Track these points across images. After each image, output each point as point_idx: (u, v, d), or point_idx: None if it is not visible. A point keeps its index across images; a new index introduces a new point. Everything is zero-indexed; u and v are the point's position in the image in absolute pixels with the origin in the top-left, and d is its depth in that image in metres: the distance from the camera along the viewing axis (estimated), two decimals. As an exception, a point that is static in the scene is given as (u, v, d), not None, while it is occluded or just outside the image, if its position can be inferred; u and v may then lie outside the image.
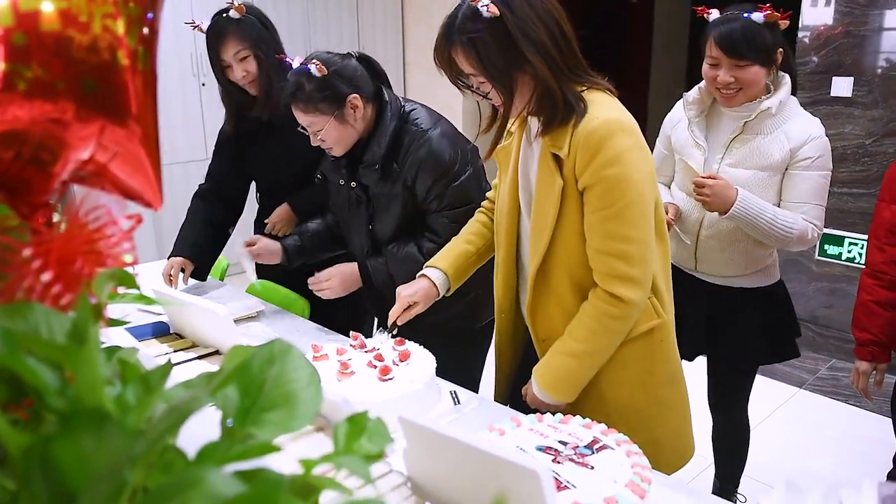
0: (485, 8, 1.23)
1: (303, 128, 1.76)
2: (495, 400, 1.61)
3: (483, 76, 1.29)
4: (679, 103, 2.02)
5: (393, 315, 1.57)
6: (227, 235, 2.27)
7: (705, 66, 1.85)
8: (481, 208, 1.73)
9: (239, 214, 2.32)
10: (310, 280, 1.86)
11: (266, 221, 2.21)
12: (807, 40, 3.29)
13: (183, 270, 2.07)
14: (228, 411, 0.59)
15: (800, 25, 3.30)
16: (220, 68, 2.01)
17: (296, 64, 1.72)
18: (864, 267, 1.93)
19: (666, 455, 1.49)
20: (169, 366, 0.59)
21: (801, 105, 3.31)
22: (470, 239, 1.67)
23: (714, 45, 1.79)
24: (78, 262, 0.61)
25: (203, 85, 4.48)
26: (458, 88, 1.39)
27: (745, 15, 1.76)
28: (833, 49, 3.21)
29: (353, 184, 1.85)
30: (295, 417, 0.55)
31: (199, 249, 2.14)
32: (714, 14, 1.84)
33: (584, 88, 1.33)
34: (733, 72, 1.79)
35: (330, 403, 0.95)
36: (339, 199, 1.94)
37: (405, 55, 5.41)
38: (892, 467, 1.92)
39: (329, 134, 1.72)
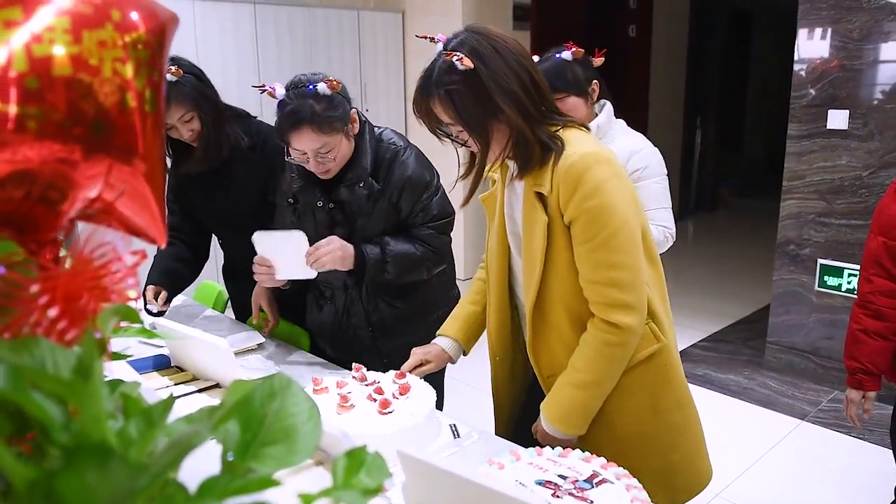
0: (459, 62, 1.28)
1: (287, 155, 1.74)
2: (496, 432, 1.62)
3: (460, 125, 1.34)
4: None
5: (406, 367, 1.61)
6: (199, 269, 2.28)
7: None
8: (481, 264, 1.75)
9: (205, 254, 2.32)
10: (308, 251, 1.76)
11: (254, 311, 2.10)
12: (802, 73, 3.34)
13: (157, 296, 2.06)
14: (229, 445, 0.60)
15: (795, 59, 3.35)
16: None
17: (279, 91, 1.69)
18: None
19: (681, 481, 1.50)
20: (171, 400, 0.60)
21: (798, 138, 3.37)
22: (474, 299, 1.72)
23: None
24: (84, 297, 0.62)
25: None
26: (437, 137, 1.44)
27: (557, 56, 2.06)
28: (828, 82, 3.26)
29: (331, 204, 1.83)
30: (295, 452, 0.55)
31: (171, 278, 2.15)
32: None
33: (559, 128, 1.38)
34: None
35: (329, 437, 0.96)
36: (307, 224, 1.88)
37: (406, 89, 5.48)
38: (893, 499, 1.90)
39: (340, 152, 1.73)
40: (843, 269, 3.34)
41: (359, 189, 1.78)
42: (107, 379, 0.70)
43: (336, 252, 1.75)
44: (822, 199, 3.38)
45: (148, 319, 2.14)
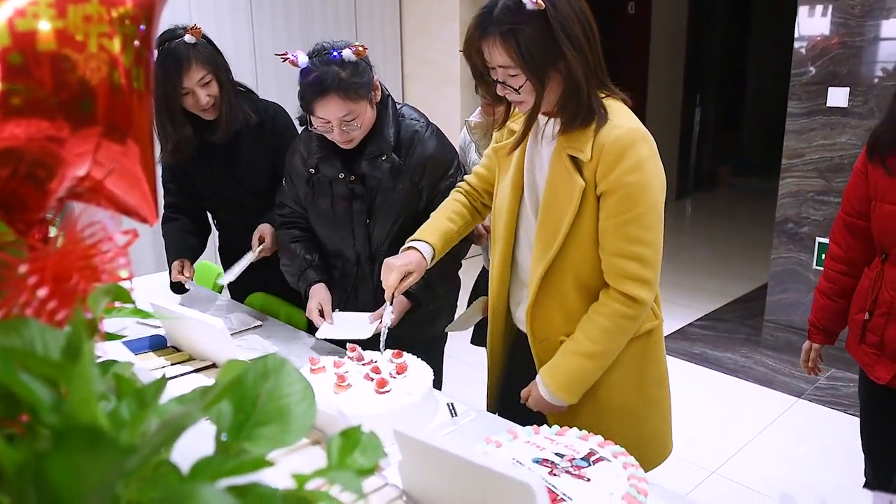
0: (529, 0, 1.24)
1: (304, 123, 1.72)
2: (488, 407, 1.65)
3: (519, 69, 1.30)
4: (465, 127, 2.12)
5: (390, 287, 1.54)
6: (206, 241, 2.30)
7: (483, 103, 1.99)
8: (459, 188, 1.74)
9: (208, 227, 2.34)
10: (369, 329, 1.73)
11: (253, 244, 2.11)
12: (803, 51, 3.31)
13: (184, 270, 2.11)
14: (223, 426, 0.59)
15: (796, 36, 3.32)
16: (176, 95, 1.92)
17: (302, 58, 1.66)
18: None
19: (650, 452, 1.54)
20: (163, 381, 0.60)
21: (798, 116, 3.35)
22: (452, 217, 1.67)
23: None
24: (74, 278, 0.62)
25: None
26: (477, 82, 1.41)
27: None
28: (829, 60, 3.23)
29: (352, 177, 1.81)
30: (289, 432, 0.55)
31: (190, 250, 2.18)
32: None
33: (605, 95, 1.37)
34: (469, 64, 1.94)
35: (325, 416, 0.96)
36: (327, 196, 1.85)
37: (403, 67, 5.44)
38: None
39: (365, 120, 1.70)
40: (841, 247, 3.33)
41: (381, 162, 1.76)
42: (100, 359, 0.70)
43: (401, 315, 1.79)
44: (821, 178, 3.36)
45: (175, 299, 2.15)
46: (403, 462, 0.82)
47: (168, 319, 1.42)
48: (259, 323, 1.98)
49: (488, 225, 1.97)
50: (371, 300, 1.90)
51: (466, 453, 0.72)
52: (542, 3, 1.24)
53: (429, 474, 0.79)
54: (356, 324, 1.67)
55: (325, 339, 1.74)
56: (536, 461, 1.14)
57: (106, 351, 0.86)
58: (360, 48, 1.65)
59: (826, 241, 3.37)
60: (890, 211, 1.61)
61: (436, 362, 2.03)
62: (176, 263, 2.12)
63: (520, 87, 1.32)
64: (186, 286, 2.11)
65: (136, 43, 0.62)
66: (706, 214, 7.23)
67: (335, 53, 1.64)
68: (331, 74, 1.62)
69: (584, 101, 1.32)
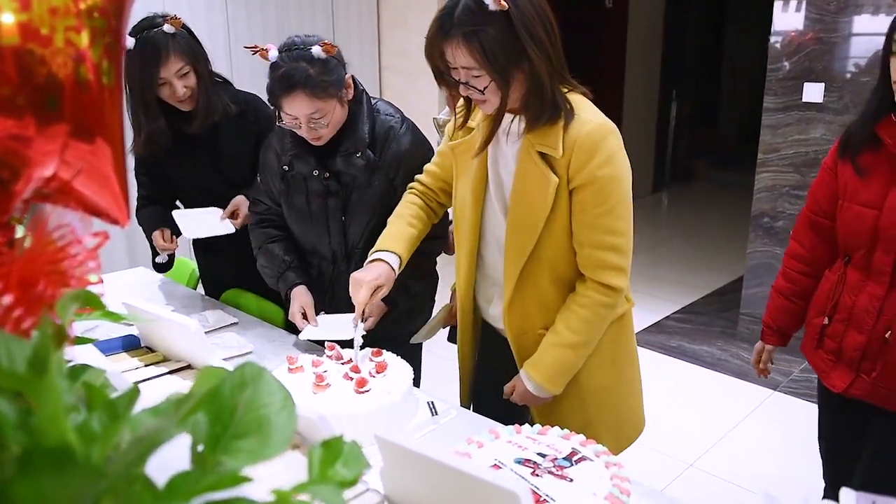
0: (492, 1, 1.23)
1: (278, 120, 1.69)
2: (461, 402, 1.68)
3: (484, 70, 1.29)
4: (434, 125, 2.13)
5: (361, 304, 1.51)
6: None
7: (448, 96, 1.96)
8: (412, 190, 1.71)
9: None
10: (353, 333, 1.63)
11: (223, 214, 2.09)
12: (778, 46, 3.33)
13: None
14: (199, 437, 0.57)
15: (772, 31, 3.34)
16: (152, 86, 1.89)
17: (273, 52, 1.63)
18: None
19: (626, 429, 1.64)
20: (136, 391, 0.57)
21: (773, 111, 3.37)
22: (412, 222, 1.65)
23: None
24: (41, 283, 0.59)
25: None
26: (440, 83, 1.41)
27: None
28: (804, 55, 3.26)
29: (327, 174, 1.78)
30: (268, 445, 0.53)
31: (168, 223, 2.15)
32: None
33: (567, 90, 1.38)
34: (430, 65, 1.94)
35: (305, 420, 0.94)
36: (301, 193, 1.83)
37: (381, 59, 5.39)
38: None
39: (334, 118, 1.68)
40: (815, 241, 3.37)
41: (356, 159, 1.74)
42: (71, 364, 0.67)
43: (378, 319, 1.77)
44: (796, 172, 3.40)
45: (149, 297, 2.10)
46: (385, 467, 0.81)
47: (142, 322, 1.39)
48: (235, 320, 1.94)
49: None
50: (348, 298, 1.87)
51: (450, 460, 0.71)
52: (504, 3, 1.24)
53: (411, 480, 0.78)
54: (340, 325, 1.65)
55: (308, 340, 1.71)
56: (518, 461, 1.13)
57: (76, 355, 0.83)
58: (330, 46, 1.62)
59: (801, 235, 3.41)
60: (858, 212, 1.53)
61: (414, 359, 2.01)
62: (156, 233, 2.09)
63: (484, 88, 1.32)
64: (166, 258, 2.07)
65: (106, 37, 0.59)
66: (682, 208, 7.28)
67: (305, 49, 1.61)
68: (299, 71, 1.59)
69: (548, 99, 1.33)
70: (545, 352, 1.47)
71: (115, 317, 0.88)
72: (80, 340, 0.79)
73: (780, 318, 1.80)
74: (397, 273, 1.58)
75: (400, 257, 1.58)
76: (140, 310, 1.32)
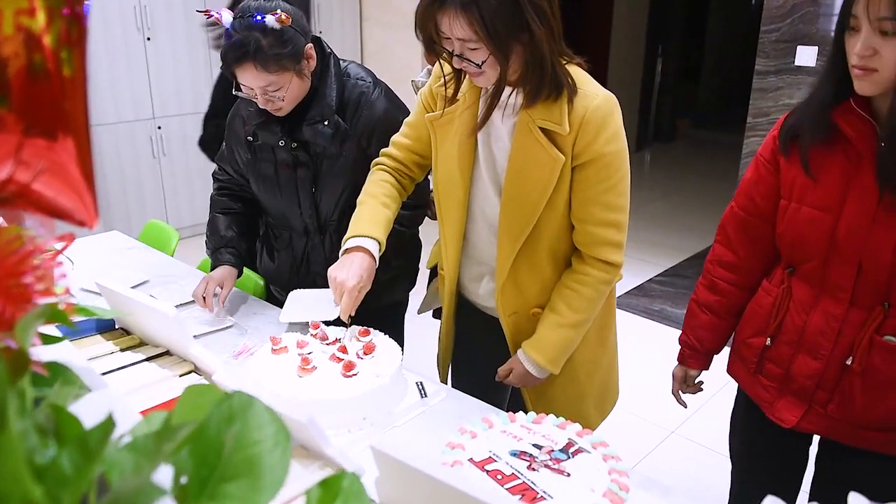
0: None
1: (236, 88, 1.59)
2: (440, 379, 1.67)
3: (482, 42, 1.21)
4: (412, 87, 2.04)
5: (346, 311, 1.43)
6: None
7: (426, 54, 1.82)
8: (382, 166, 1.60)
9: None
10: (333, 312, 1.55)
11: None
12: (772, 9, 3.24)
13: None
14: (182, 470, 0.51)
15: (766, -8, 3.25)
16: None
17: (226, 17, 1.51)
18: None
19: (609, 397, 1.66)
20: (110, 423, 0.52)
21: (764, 73, 3.31)
22: (387, 203, 1.54)
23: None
24: (-2, 303, 0.52)
25: (148, 39, 4.24)
26: (430, 55, 1.34)
27: None
28: (798, 18, 3.18)
29: (294, 144, 1.69)
30: (259, 489, 0.47)
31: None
32: None
33: (565, 62, 1.32)
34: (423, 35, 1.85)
35: (295, 424, 0.89)
36: (270, 162, 1.73)
37: (362, 10, 5.21)
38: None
39: (291, 92, 1.58)
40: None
41: (323, 128, 1.64)
42: (43, 361, 0.61)
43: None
44: (785, 137, 3.35)
45: (124, 278, 1.96)
46: (380, 478, 0.76)
47: (118, 315, 1.31)
48: (230, 324, 1.87)
49: None
50: (323, 271, 1.77)
51: (448, 477, 0.66)
52: None
53: (407, 493, 0.73)
54: (320, 303, 1.58)
55: (290, 322, 1.64)
56: (514, 454, 1.09)
57: (41, 354, 0.76)
58: (285, 16, 1.49)
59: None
60: (809, 216, 1.25)
61: (397, 329, 1.97)
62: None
63: (482, 62, 1.24)
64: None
65: (65, 19, 0.51)
66: (665, 167, 7.25)
67: (258, 17, 1.49)
68: (251, 41, 1.48)
69: (549, 73, 1.26)
70: (547, 333, 1.43)
71: (87, 312, 0.82)
72: (51, 339, 0.73)
73: (706, 337, 1.51)
74: (377, 261, 1.49)
75: (379, 242, 1.49)
76: (116, 293, 1.25)
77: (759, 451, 1.53)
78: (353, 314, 1.44)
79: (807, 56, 3.17)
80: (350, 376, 1.31)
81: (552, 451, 1.10)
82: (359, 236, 1.46)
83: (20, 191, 0.55)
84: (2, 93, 0.47)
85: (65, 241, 0.61)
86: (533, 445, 1.11)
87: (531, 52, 1.24)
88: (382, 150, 1.63)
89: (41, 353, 0.77)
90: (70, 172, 0.58)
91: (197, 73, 4.49)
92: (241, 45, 1.48)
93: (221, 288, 1.72)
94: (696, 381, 1.63)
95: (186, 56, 4.42)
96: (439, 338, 1.69)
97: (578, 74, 1.32)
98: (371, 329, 1.48)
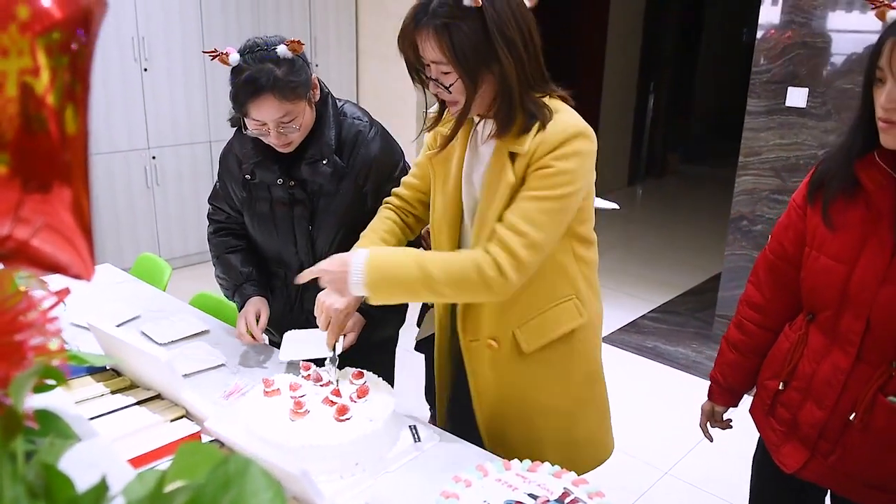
0: None
1: (236, 125, 1.60)
2: (438, 423, 1.61)
3: (451, 65, 1.25)
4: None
5: (332, 334, 1.44)
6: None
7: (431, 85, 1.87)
8: (388, 204, 1.63)
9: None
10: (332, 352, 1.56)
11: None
12: (763, 50, 3.30)
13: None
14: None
15: (757, 34, 3.31)
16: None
17: (233, 56, 1.52)
18: None
19: (584, 455, 1.53)
20: (103, 488, 0.50)
21: (756, 114, 3.35)
22: (385, 237, 1.54)
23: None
24: (-10, 363, 0.51)
25: (145, 70, 4.26)
26: (412, 77, 1.36)
27: None
28: (789, 60, 3.23)
29: (292, 182, 1.69)
30: (256, 562, 0.46)
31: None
32: None
33: (543, 96, 1.32)
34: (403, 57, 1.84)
35: (286, 475, 0.87)
36: (265, 201, 1.73)
37: (358, 44, 5.26)
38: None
39: (304, 121, 1.59)
40: (793, 246, 3.37)
41: (322, 167, 1.64)
42: (34, 409, 0.60)
43: (359, 333, 1.65)
44: (776, 177, 3.39)
45: (114, 317, 1.91)
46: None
47: (110, 362, 1.29)
48: (206, 328, 1.86)
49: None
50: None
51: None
52: (479, 0, 1.20)
53: None
54: (316, 342, 1.57)
55: (289, 361, 1.62)
56: (509, 504, 1.07)
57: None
58: (296, 43, 1.52)
59: (779, 239, 3.41)
60: (825, 266, 1.27)
61: (387, 366, 1.95)
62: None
63: (450, 86, 1.28)
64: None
65: (69, 77, 0.51)
66: (656, 202, 7.30)
67: (270, 50, 1.51)
68: (265, 73, 1.49)
69: (516, 106, 1.27)
70: (399, 255, 1.32)
71: (80, 360, 0.80)
72: (44, 388, 0.72)
73: (731, 374, 1.54)
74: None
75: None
76: (107, 335, 1.23)
77: (773, 497, 1.53)
78: (342, 350, 1.45)
79: (797, 97, 3.22)
80: (343, 420, 1.29)
81: (548, 500, 1.08)
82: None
83: (18, 247, 0.54)
84: (3, 150, 0.47)
85: (59, 295, 0.60)
86: (528, 495, 1.09)
87: (500, 83, 1.26)
88: (394, 189, 1.64)
89: (32, 401, 0.76)
90: (68, 227, 0.58)
91: (193, 104, 4.51)
92: (255, 79, 1.49)
93: (258, 319, 1.71)
94: (725, 417, 1.65)
95: (183, 87, 4.44)
96: (437, 380, 1.63)
97: (558, 107, 1.32)
98: (365, 371, 1.47)
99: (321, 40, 5.03)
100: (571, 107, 1.35)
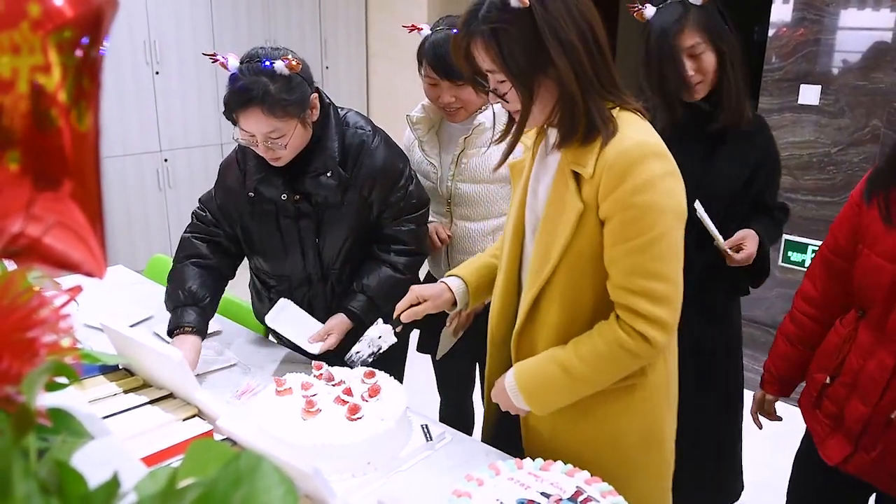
0: None
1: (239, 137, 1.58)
2: (482, 437, 1.49)
3: (503, 73, 1.16)
4: (407, 124, 2.00)
5: (399, 307, 1.42)
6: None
7: (426, 86, 1.85)
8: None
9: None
10: (314, 338, 1.63)
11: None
12: (776, 48, 3.28)
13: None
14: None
15: (769, 32, 3.29)
16: None
17: (233, 62, 1.51)
18: None
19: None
20: (115, 484, 0.51)
21: (768, 112, 3.33)
22: (496, 254, 1.50)
23: (430, 68, 1.79)
24: (4, 360, 0.51)
25: (157, 73, 4.28)
26: (475, 90, 1.32)
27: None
28: (801, 57, 3.21)
29: (297, 196, 1.67)
30: (267, 557, 0.46)
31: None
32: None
33: (614, 107, 1.21)
34: (453, 91, 1.80)
35: (299, 473, 0.87)
36: (266, 215, 1.70)
37: (368, 46, 5.27)
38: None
39: (293, 141, 1.56)
40: (807, 245, 3.34)
41: (326, 180, 1.62)
42: (47, 408, 0.60)
43: (334, 339, 1.64)
44: (790, 175, 3.36)
45: (127, 318, 1.92)
46: None
47: (123, 361, 1.29)
48: (218, 329, 1.86)
49: (443, 237, 1.89)
50: (324, 318, 1.73)
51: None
52: (527, 0, 1.11)
53: None
54: (304, 328, 1.60)
55: (271, 329, 1.68)
56: (521, 503, 1.07)
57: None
58: (295, 62, 1.50)
59: (792, 237, 3.39)
60: (876, 264, 1.29)
61: (397, 365, 1.95)
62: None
63: (505, 95, 1.20)
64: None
65: (79, 74, 0.51)
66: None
67: (267, 63, 1.49)
68: (258, 86, 1.47)
69: (580, 114, 1.16)
70: (540, 360, 1.27)
71: (92, 358, 0.80)
72: (56, 387, 0.72)
73: (783, 365, 1.58)
74: (458, 299, 1.46)
75: (465, 282, 1.47)
76: (120, 335, 1.24)
77: (814, 491, 1.56)
78: (321, 351, 1.51)
79: (810, 95, 3.20)
80: (355, 420, 1.29)
81: (560, 499, 1.08)
82: (447, 275, 1.50)
83: (31, 245, 0.54)
84: (16, 151, 0.47)
85: (72, 293, 0.60)
86: (541, 494, 1.09)
87: (560, 89, 1.16)
88: None
89: (45, 399, 0.76)
90: (80, 224, 0.58)
91: (205, 107, 4.53)
92: (247, 90, 1.48)
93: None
94: (772, 406, 1.70)
95: (195, 90, 4.47)
96: (484, 395, 1.51)
97: (626, 119, 1.20)
98: (376, 371, 1.47)
99: (331, 43, 5.05)
100: (647, 119, 1.23)
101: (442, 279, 1.48)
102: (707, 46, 1.70)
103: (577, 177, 1.19)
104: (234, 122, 1.54)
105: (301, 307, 1.76)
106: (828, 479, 1.46)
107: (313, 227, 1.69)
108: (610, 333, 1.20)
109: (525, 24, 1.13)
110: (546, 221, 1.26)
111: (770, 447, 2.78)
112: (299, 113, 1.54)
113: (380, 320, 1.53)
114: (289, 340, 1.69)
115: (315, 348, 1.62)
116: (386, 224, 1.72)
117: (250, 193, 1.69)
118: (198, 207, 1.85)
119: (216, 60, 1.52)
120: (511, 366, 1.33)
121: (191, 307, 1.65)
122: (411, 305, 1.43)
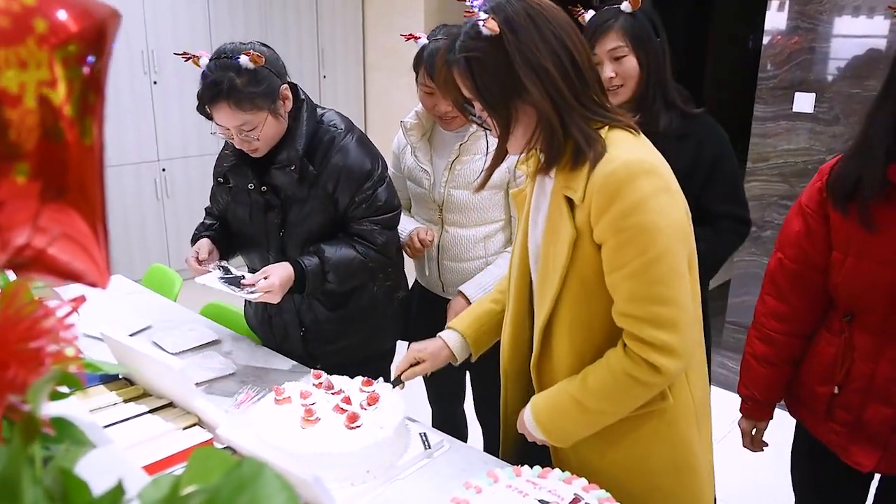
0: (484, 25, 1.10)
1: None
2: (501, 457, 1.44)
3: (478, 101, 1.17)
4: (401, 129, 2.01)
5: (399, 368, 1.45)
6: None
7: (421, 94, 1.87)
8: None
9: None
10: (247, 282, 1.64)
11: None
12: (770, 56, 3.30)
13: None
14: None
15: (763, 40, 3.31)
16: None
17: (203, 61, 1.58)
18: None
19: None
20: (119, 492, 0.51)
21: (763, 119, 3.35)
22: (496, 297, 1.49)
23: (427, 76, 1.80)
24: (10, 369, 0.52)
25: (154, 83, 4.30)
26: (465, 116, 1.32)
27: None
28: (796, 65, 3.23)
29: (264, 187, 1.71)
30: (269, 564, 0.47)
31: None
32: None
33: (602, 126, 1.17)
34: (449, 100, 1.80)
35: (299, 481, 0.87)
36: (241, 205, 1.78)
37: (365, 57, 5.30)
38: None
39: (266, 132, 1.61)
40: (803, 251, 3.36)
41: (290, 172, 1.66)
42: (50, 417, 0.61)
43: (273, 280, 1.62)
44: (784, 182, 3.38)
45: (127, 327, 1.95)
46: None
47: (123, 370, 1.30)
48: (217, 337, 1.87)
49: (424, 238, 1.88)
50: (295, 320, 1.83)
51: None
52: (496, 27, 1.10)
53: None
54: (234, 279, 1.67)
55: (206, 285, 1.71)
56: (520, 510, 1.07)
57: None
58: (258, 56, 1.54)
59: (788, 245, 3.40)
60: (871, 269, 1.28)
61: (388, 374, 1.96)
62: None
63: (483, 122, 1.22)
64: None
65: (84, 89, 0.52)
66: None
67: (233, 58, 1.55)
68: (224, 81, 1.54)
69: (559, 138, 1.15)
70: (556, 394, 1.25)
71: (94, 367, 0.81)
72: (59, 396, 0.73)
73: (764, 387, 1.54)
74: (458, 354, 1.47)
75: (464, 336, 1.46)
76: (120, 344, 1.25)
77: (822, 484, 1.58)
78: (402, 379, 1.47)
79: (805, 102, 3.22)
80: (354, 428, 1.29)
81: (559, 506, 1.08)
82: (446, 328, 1.50)
83: (36, 256, 0.55)
84: (24, 164, 0.48)
85: (75, 303, 0.61)
86: (539, 501, 1.10)
87: (538, 114, 1.15)
88: None
89: (47, 408, 0.77)
90: (84, 236, 0.59)
91: (202, 117, 4.55)
92: (215, 85, 1.54)
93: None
94: (762, 432, 1.68)
95: (192, 99, 4.46)
96: (502, 419, 1.47)
97: (615, 138, 1.16)
98: (373, 381, 1.47)
99: (328, 53, 5.07)
100: (637, 133, 1.20)
101: (440, 334, 1.48)
102: (629, 51, 1.76)
103: (570, 202, 1.17)
104: (209, 117, 1.62)
105: (272, 310, 1.82)
106: (832, 472, 1.50)
107: (278, 221, 1.73)
108: (617, 363, 1.17)
109: (497, 52, 1.12)
110: (545, 249, 1.24)
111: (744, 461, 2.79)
112: (268, 105, 1.59)
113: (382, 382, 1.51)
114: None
115: (243, 292, 1.64)
116: (353, 219, 1.73)
117: (219, 179, 1.78)
118: (208, 204, 1.98)
119: (188, 59, 1.57)
120: (529, 396, 1.32)
121: (206, 232, 1.85)
122: (411, 365, 1.45)
